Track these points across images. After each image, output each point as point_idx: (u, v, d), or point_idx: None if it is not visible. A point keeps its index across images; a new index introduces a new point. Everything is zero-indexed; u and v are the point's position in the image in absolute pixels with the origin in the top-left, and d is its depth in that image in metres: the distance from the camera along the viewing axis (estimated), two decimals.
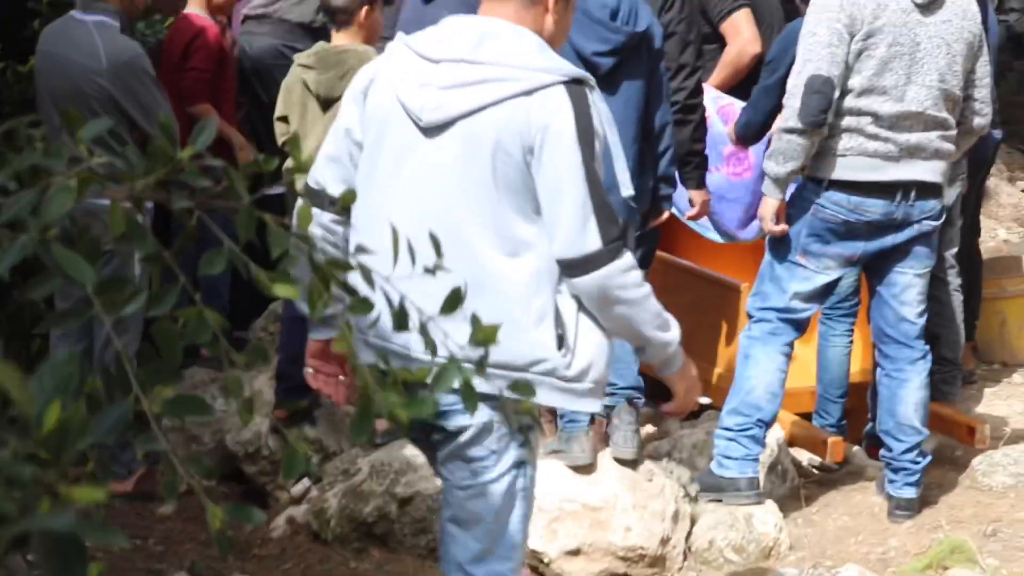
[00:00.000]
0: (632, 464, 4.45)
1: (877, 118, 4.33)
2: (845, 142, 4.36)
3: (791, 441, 4.94)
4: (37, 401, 1.32)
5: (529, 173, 2.68)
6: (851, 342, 4.99)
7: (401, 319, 1.79)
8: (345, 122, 2.88)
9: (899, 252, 4.48)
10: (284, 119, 4.86)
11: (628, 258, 2.71)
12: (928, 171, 4.40)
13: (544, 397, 2.72)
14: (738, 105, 5.33)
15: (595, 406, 2.84)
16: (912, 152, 4.37)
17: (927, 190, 4.42)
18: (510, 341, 2.53)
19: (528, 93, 2.68)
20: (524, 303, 2.69)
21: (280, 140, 4.87)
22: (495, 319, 2.19)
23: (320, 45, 4.85)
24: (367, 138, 2.83)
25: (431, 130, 2.74)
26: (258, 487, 5.10)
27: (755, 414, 4.43)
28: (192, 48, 5.58)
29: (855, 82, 4.31)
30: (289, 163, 5.02)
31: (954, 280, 5.37)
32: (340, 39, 4.81)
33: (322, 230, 2.86)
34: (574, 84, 2.71)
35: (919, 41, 4.33)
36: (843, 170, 4.37)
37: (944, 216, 4.56)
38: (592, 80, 2.76)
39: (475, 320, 1.81)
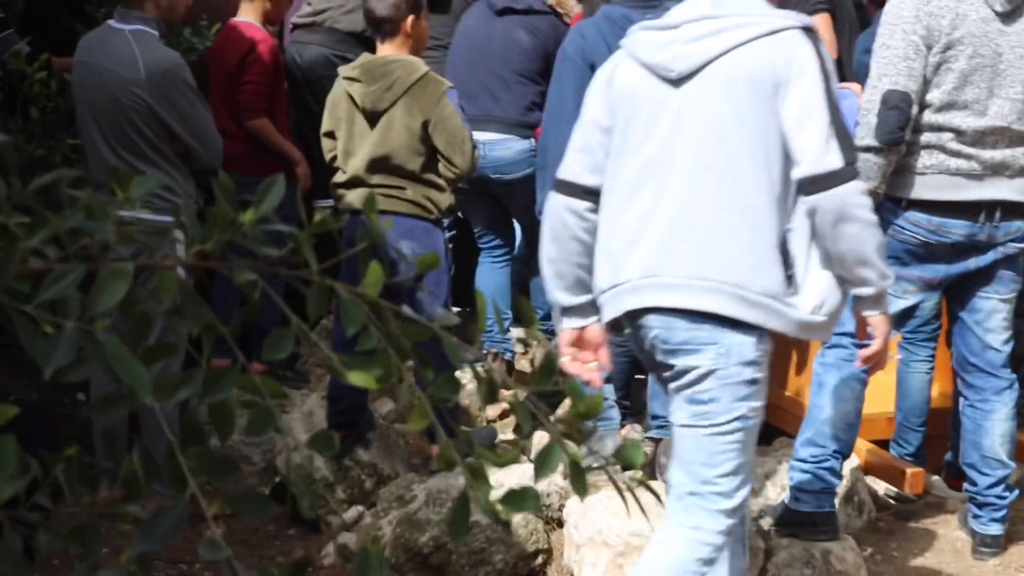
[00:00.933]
0: None
1: (959, 134, 4.08)
2: (925, 160, 4.11)
3: (867, 470, 4.71)
4: None
5: (774, 109, 2.94)
6: (932, 368, 4.75)
7: (492, 393, 1.61)
8: (590, 112, 3.15)
9: (983, 276, 4.23)
10: (331, 134, 4.67)
11: (864, 183, 3.01)
12: (1014, 190, 4.14)
13: (779, 325, 2.97)
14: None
15: (826, 337, 3.18)
16: (996, 169, 4.11)
17: (1013, 210, 4.16)
18: (763, 269, 2.93)
19: (771, 34, 2.97)
20: (772, 235, 2.96)
21: (328, 156, 4.69)
22: (752, 248, 2.94)
23: (365, 57, 4.66)
24: (618, 117, 3.08)
25: (681, 80, 3.00)
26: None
27: (831, 445, 4.21)
28: (248, 61, 5.41)
29: (934, 96, 4.05)
30: (339, 177, 4.85)
31: None
32: (386, 50, 4.62)
33: (576, 218, 3.14)
34: (808, 31, 3.02)
35: (1001, 52, 4.06)
36: (923, 189, 4.12)
37: None
38: (818, 29, 3.05)
39: (574, 390, 1.61)
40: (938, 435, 4.76)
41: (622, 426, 4.84)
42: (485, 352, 5.72)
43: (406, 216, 4.55)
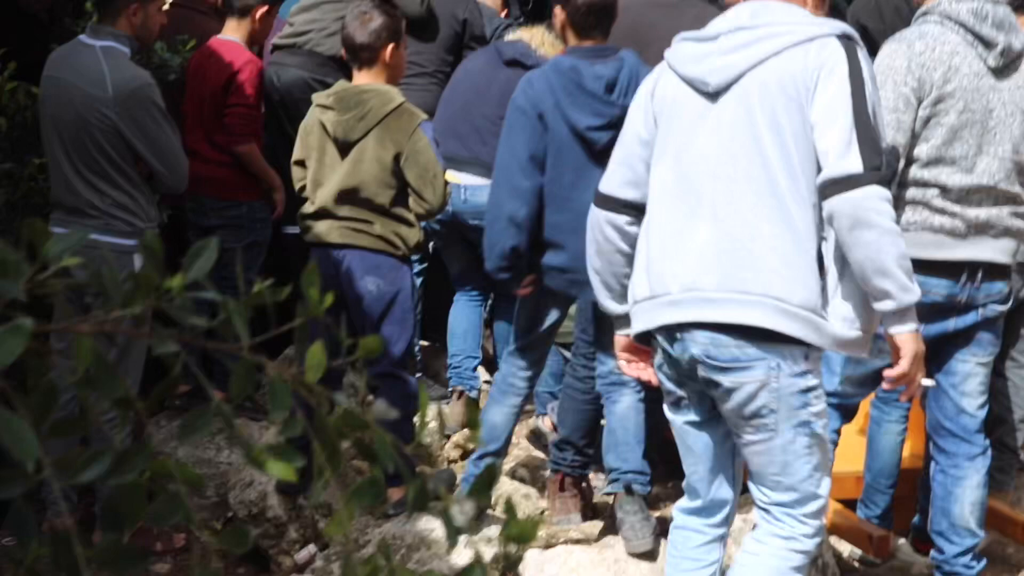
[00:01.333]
0: (651, 555, 4.18)
1: (944, 191, 3.97)
2: (909, 215, 4.00)
3: (832, 531, 4.60)
4: None
5: (807, 116, 2.94)
6: (905, 430, 4.64)
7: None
8: (632, 126, 3.20)
9: (961, 338, 4.12)
10: (301, 163, 4.55)
11: (886, 191, 2.92)
12: (997, 251, 4.04)
13: (817, 339, 2.96)
14: None
15: (863, 353, 3.11)
16: (981, 229, 4.01)
17: (995, 271, 4.06)
18: (801, 281, 2.93)
19: (804, 42, 2.98)
20: (810, 245, 2.96)
21: (297, 185, 4.57)
22: (791, 260, 2.93)
23: (340, 84, 4.53)
24: (659, 127, 3.12)
25: (719, 92, 3.02)
26: (261, 550, 4.79)
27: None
28: (236, 82, 5.30)
29: (922, 151, 3.95)
30: (307, 208, 4.73)
31: None
32: (362, 78, 4.49)
33: (617, 232, 3.19)
34: (845, 38, 3.01)
35: (992, 108, 3.96)
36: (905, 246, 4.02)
37: (1011, 301, 4.21)
38: (859, 38, 3.04)
39: (510, 510, 1.51)
40: (906, 496, 4.65)
41: (583, 475, 4.71)
42: (451, 389, 5.60)
43: (373, 251, 4.44)
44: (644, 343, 3.27)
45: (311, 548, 4.69)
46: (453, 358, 5.59)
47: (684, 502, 3.40)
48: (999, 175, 3.98)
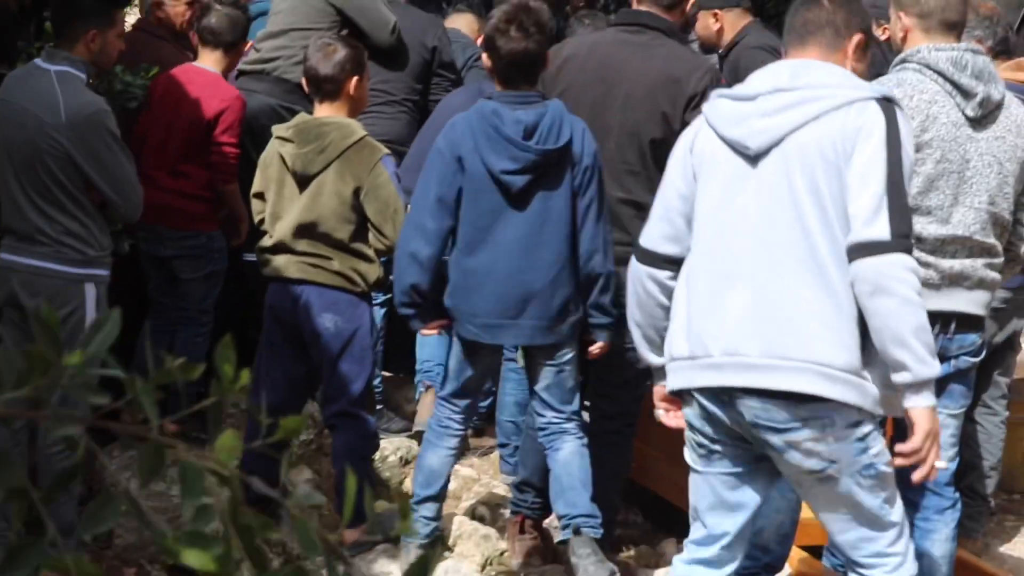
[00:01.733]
0: None
1: (919, 241, 3.86)
2: None
3: None
4: None
5: (845, 180, 2.96)
6: None
7: None
8: (671, 180, 3.23)
9: None
10: (260, 195, 4.46)
11: (911, 260, 2.97)
12: (971, 302, 3.95)
13: (859, 400, 3.00)
14: None
15: (897, 413, 3.11)
16: (955, 280, 3.92)
17: (968, 323, 3.97)
18: (844, 344, 2.96)
19: (844, 106, 3.00)
20: (851, 309, 2.98)
21: (256, 218, 4.47)
22: (833, 325, 2.96)
23: (300, 117, 4.46)
24: (697, 184, 3.14)
25: (759, 156, 3.04)
26: None
27: (763, 558, 4.00)
28: (226, 120, 5.23)
29: None
30: (265, 241, 4.62)
31: (1002, 411, 4.95)
32: (323, 111, 4.41)
33: (658, 287, 3.22)
34: (885, 101, 3.02)
35: (969, 159, 3.88)
36: None
37: (983, 352, 4.12)
38: (899, 101, 3.07)
39: None
40: None
41: (541, 517, 4.62)
42: (422, 389, 5.55)
43: (330, 288, 4.36)
44: (676, 395, 3.31)
45: None
46: (423, 363, 5.55)
47: (692, 552, 3.36)
48: (975, 226, 3.90)
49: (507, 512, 4.85)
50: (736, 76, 5.55)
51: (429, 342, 5.49)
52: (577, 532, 4.20)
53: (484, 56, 4.22)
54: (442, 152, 4.10)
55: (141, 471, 1.24)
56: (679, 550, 4.73)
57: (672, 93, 4.26)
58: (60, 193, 4.27)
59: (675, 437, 4.81)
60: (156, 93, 5.30)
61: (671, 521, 4.94)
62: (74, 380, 1.26)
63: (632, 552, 4.90)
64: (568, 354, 4.17)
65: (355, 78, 4.39)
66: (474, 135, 4.05)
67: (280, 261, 4.37)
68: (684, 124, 4.20)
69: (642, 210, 4.29)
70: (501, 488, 5.23)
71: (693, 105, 4.22)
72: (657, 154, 4.23)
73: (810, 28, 3.23)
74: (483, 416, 5.58)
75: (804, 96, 3.05)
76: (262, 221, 4.45)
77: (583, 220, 4.07)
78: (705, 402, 3.15)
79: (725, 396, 3.09)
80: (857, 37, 3.25)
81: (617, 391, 4.49)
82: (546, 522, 4.73)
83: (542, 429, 4.27)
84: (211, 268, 5.34)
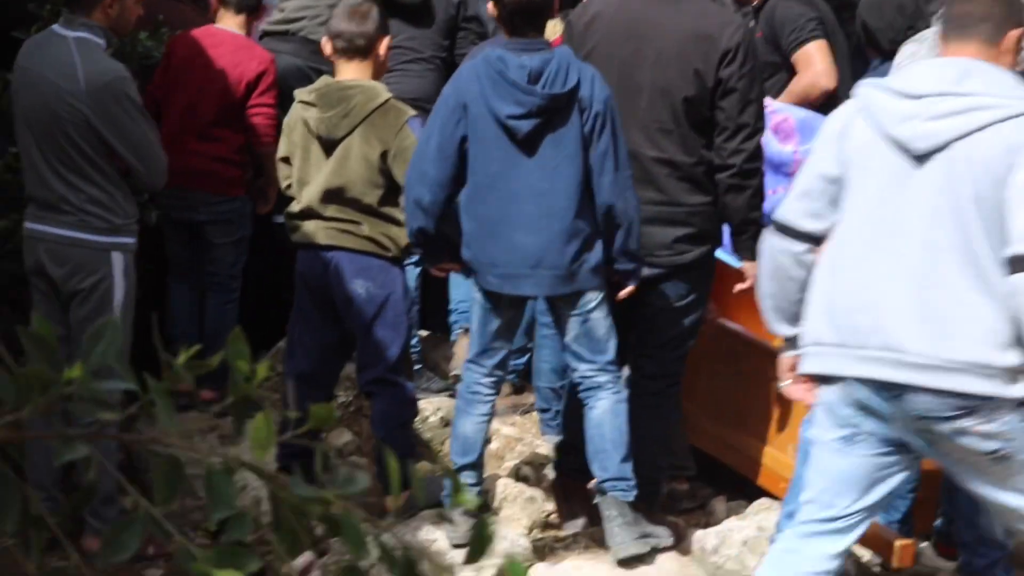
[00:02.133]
0: (644, 558, 4.08)
1: None
2: None
3: None
4: None
5: (1004, 193, 2.98)
6: None
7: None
8: (819, 161, 3.24)
9: None
10: (287, 160, 4.37)
11: None
12: None
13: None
14: (795, 116, 4.83)
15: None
16: None
17: None
18: (1007, 348, 3.00)
19: (1010, 119, 3.01)
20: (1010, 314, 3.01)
21: (283, 183, 4.39)
22: (996, 329, 3.02)
23: (323, 80, 4.37)
24: (849, 173, 3.16)
25: (922, 157, 3.06)
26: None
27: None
28: (264, 82, 5.17)
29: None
30: (293, 207, 4.53)
31: None
32: (348, 72, 4.33)
33: (793, 260, 3.27)
34: None
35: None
36: None
37: None
38: None
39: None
40: (929, 498, 4.44)
41: (589, 478, 4.53)
42: (459, 330, 5.51)
43: (361, 253, 4.28)
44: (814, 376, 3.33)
45: (308, 554, 4.49)
46: (458, 304, 5.50)
47: (805, 524, 3.33)
48: None
49: (550, 472, 4.76)
50: (771, 28, 5.40)
51: (463, 283, 5.40)
52: (604, 495, 4.13)
53: (490, 5, 4.16)
54: (447, 99, 4.06)
55: (158, 492, 1.14)
56: (727, 508, 4.69)
57: (704, 50, 4.14)
58: (82, 161, 4.19)
59: (720, 395, 4.75)
60: (176, 54, 5.20)
61: (719, 479, 4.84)
62: (83, 391, 1.16)
63: (681, 512, 4.80)
64: (592, 302, 4.07)
65: (386, 38, 4.36)
66: (479, 81, 3.98)
67: (309, 227, 4.30)
68: (718, 81, 4.10)
69: (676, 168, 4.19)
70: (544, 447, 5.14)
71: (727, 61, 4.12)
72: (690, 112, 4.15)
73: (971, 21, 3.19)
74: (522, 374, 5.49)
75: (971, 104, 3.05)
76: (289, 186, 4.37)
77: (600, 171, 3.96)
78: (865, 391, 3.16)
79: (896, 390, 3.11)
80: (1015, 32, 3.20)
81: (659, 351, 4.39)
82: (591, 484, 4.65)
83: (578, 384, 4.18)
84: (242, 233, 5.30)
